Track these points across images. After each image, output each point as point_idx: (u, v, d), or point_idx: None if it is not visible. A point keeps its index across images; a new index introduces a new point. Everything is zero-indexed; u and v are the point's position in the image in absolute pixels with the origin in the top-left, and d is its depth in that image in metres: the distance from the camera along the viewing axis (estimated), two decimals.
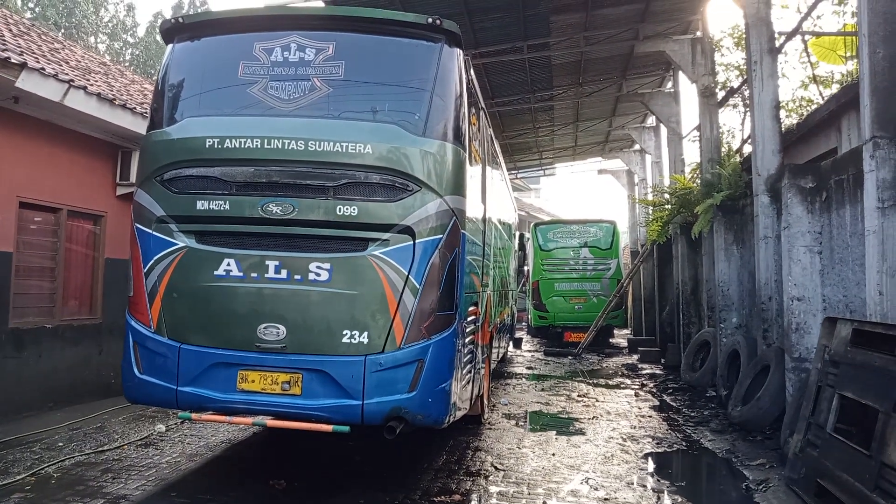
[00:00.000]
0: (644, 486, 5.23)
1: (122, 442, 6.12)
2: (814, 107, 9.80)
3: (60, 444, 6.01)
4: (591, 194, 62.63)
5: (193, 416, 4.57)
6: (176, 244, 4.59)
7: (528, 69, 13.71)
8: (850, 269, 5.91)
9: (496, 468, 5.57)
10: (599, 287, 16.75)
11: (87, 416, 7.07)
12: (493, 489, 5.03)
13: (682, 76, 13.81)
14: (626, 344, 16.95)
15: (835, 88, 9.76)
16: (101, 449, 5.85)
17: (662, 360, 13.02)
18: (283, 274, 4.45)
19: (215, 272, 4.50)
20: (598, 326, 15.47)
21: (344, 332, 4.37)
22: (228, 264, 4.50)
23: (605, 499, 4.85)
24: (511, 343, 14.72)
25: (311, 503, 4.60)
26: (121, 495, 4.67)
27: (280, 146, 4.50)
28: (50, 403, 7.41)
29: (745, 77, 10.49)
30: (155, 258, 4.61)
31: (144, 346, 4.62)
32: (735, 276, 8.97)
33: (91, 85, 7.68)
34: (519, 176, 26.98)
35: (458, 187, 4.68)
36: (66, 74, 7.25)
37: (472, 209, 5.31)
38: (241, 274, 4.49)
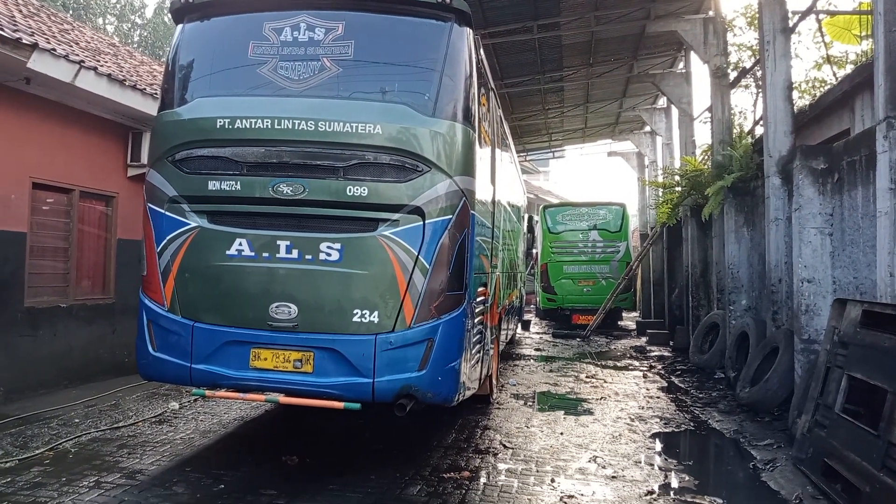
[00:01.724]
0: (652, 464, 5.28)
1: (137, 419, 6.23)
2: (827, 87, 9.68)
3: (77, 420, 6.12)
4: (601, 177, 62.22)
5: (207, 393, 4.65)
6: (188, 224, 4.63)
7: (538, 49, 13.60)
8: (861, 250, 5.88)
9: (505, 446, 5.63)
10: (608, 270, 16.73)
11: (101, 394, 7.19)
12: (502, 466, 5.10)
13: (693, 56, 13.66)
14: (634, 326, 16.98)
15: (849, 69, 9.64)
16: (116, 425, 5.96)
17: (671, 343, 13.05)
18: (295, 254, 4.49)
19: (227, 252, 4.55)
20: (606, 309, 15.49)
21: (355, 312, 4.41)
22: (240, 244, 4.54)
23: (613, 476, 4.90)
24: (519, 325, 14.78)
25: (322, 478, 4.68)
26: (137, 470, 4.77)
27: (290, 126, 4.51)
28: (65, 381, 7.54)
29: (757, 57, 10.38)
30: (168, 238, 4.65)
31: (158, 324, 4.68)
32: (745, 259, 8.95)
33: (101, 66, 7.70)
34: (528, 158, 26.85)
35: (467, 168, 4.69)
36: (77, 55, 7.27)
37: (482, 190, 5.31)
38: (252, 254, 4.53)
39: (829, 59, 10.56)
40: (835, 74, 10.23)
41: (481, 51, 5.35)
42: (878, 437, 3.93)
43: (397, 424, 5.91)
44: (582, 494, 4.51)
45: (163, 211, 4.69)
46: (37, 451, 5.11)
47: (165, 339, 4.66)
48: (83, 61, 7.15)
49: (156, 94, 7.94)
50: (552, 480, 4.79)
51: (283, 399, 4.50)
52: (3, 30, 6.22)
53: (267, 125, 4.53)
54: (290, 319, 4.45)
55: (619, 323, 17.72)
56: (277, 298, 4.47)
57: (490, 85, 6.23)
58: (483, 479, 4.80)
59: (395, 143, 4.49)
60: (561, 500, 4.40)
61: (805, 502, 4.36)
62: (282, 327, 4.46)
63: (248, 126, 4.55)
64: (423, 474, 4.84)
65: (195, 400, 6.96)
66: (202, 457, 5.20)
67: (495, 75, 13.01)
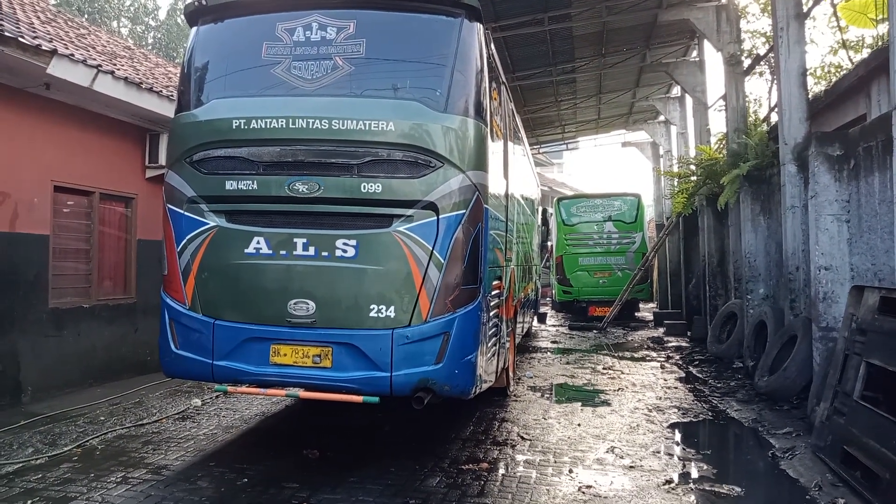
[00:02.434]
0: (670, 454, 5.30)
1: (161, 416, 6.35)
2: (842, 73, 9.56)
3: (102, 418, 6.26)
4: (615, 167, 61.72)
5: (229, 389, 4.75)
6: (207, 224, 4.71)
7: (549, 41, 13.55)
8: (879, 237, 5.83)
9: (522, 438, 5.68)
10: (624, 261, 16.68)
11: (125, 392, 7.33)
12: (520, 457, 5.15)
13: (707, 44, 13.55)
14: (651, 317, 16.92)
15: (865, 53, 9.51)
16: (140, 423, 6.09)
17: (688, 333, 13.00)
18: (311, 251, 4.55)
19: (246, 250, 4.62)
20: (623, 300, 15.45)
21: (371, 307, 4.47)
22: (258, 242, 4.62)
23: (631, 466, 4.93)
24: (535, 318, 14.78)
25: (343, 471, 4.75)
26: (162, 465, 4.88)
27: (304, 125, 4.57)
28: (90, 380, 7.69)
29: (771, 44, 10.26)
30: (187, 237, 4.74)
31: (180, 322, 4.77)
32: (762, 247, 8.89)
33: (118, 69, 7.82)
34: (541, 151, 26.78)
35: (480, 162, 4.72)
36: (94, 59, 7.39)
37: (495, 184, 5.34)
38: (270, 251, 4.60)
39: (844, 44, 10.42)
40: (850, 59, 10.10)
41: (492, 45, 5.37)
42: None
43: (416, 418, 5.98)
44: (600, 484, 4.54)
45: (182, 211, 4.78)
46: (65, 449, 5.25)
47: (187, 337, 4.75)
48: (100, 65, 7.27)
49: (171, 96, 8.06)
50: (570, 471, 4.83)
51: (303, 394, 4.59)
52: (23, 37, 6.34)
53: (282, 125, 4.59)
54: (308, 315, 4.51)
55: (635, 314, 17.65)
56: (295, 295, 4.54)
57: (501, 79, 6.25)
58: (501, 471, 4.85)
59: (407, 140, 4.53)
60: (579, 490, 4.44)
61: (824, 489, 4.36)
62: (300, 323, 4.53)
63: (263, 126, 4.62)
64: (442, 466, 4.90)
65: (217, 396, 7.08)
66: (225, 452, 5.30)
67: (506, 68, 13.00)
